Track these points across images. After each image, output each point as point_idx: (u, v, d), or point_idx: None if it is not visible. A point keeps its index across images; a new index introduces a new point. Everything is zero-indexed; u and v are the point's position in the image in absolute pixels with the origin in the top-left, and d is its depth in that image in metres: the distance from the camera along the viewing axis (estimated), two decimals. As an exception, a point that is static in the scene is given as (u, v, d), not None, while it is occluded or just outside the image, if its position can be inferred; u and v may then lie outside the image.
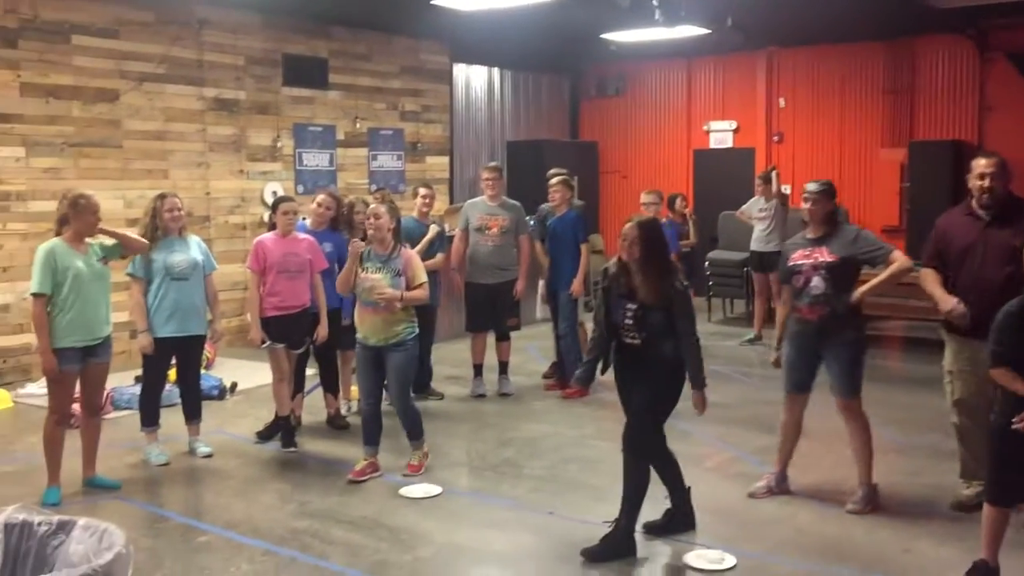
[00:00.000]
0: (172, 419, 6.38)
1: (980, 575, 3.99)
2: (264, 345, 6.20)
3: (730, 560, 4.35)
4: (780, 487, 5.33)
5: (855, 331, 5.08)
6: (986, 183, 4.76)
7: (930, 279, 4.97)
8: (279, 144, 10.17)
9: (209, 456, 6.06)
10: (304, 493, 5.43)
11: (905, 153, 11.60)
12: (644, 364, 4.52)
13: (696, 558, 4.39)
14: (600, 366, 4.72)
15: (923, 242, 11.32)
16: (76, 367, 5.25)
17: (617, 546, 4.44)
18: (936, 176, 11.17)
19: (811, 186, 5.23)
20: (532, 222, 7.86)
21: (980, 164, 4.83)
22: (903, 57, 11.78)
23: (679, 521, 4.75)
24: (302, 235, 6.39)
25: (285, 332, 6.22)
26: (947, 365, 5.02)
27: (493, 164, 7.81)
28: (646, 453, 4.57)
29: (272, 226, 6.45)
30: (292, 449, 6.22)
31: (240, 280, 9.80)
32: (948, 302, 4.78)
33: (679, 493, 4.77)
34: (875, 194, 12.01)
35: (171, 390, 6.59)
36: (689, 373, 4.52)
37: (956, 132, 11.44)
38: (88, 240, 5.31)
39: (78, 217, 5.21)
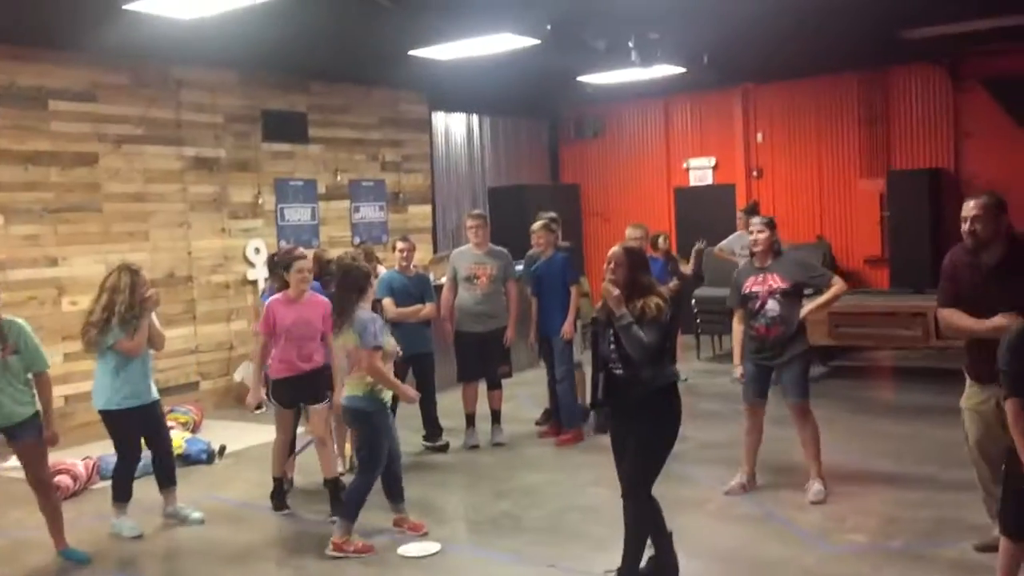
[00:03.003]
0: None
1: (995, 612, 3.89)
2: (258, 411, 6.08)
3: (738, 608, 4.26)
4: (751, 485, 6.00)
5: (803, 344, 5.86)
6: (967, 227, 4.55)
7: (956, 316, 4.67)
8: (260, 200, 10.12)
9: (202, 522, 5.92)
10: (300, 558, 5.30)
11: (884, 183, 11.68)
12: (632, 397, 4.38)
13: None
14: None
15: (906, 270, 11.45)
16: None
17: None
18: (916, 205, 11.25)
19: (757, 220, 6.00)
20: (522, 269, 7.82)
21: (967, 207, 4.59)
22: (877, 87, 11.91)
23: (663, 568, 4.58)
24: (316, 296, 6.12)
25: (298, 393, 6.07)
26: (963, 403, 4.74)
27: (477, 212, 7.79)
28: (644, 499, 4.44)
29: (285, 285, 6.08)
30: (285, 512, 6.09)
31: (224, 340, 9.73)
32: (993, 320, 4.38)
33: (662, 539, 4.60)
34: (856, 225, 12.06)
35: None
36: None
37: (933, 160, 11.53)
38: None
39: None
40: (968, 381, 4.71)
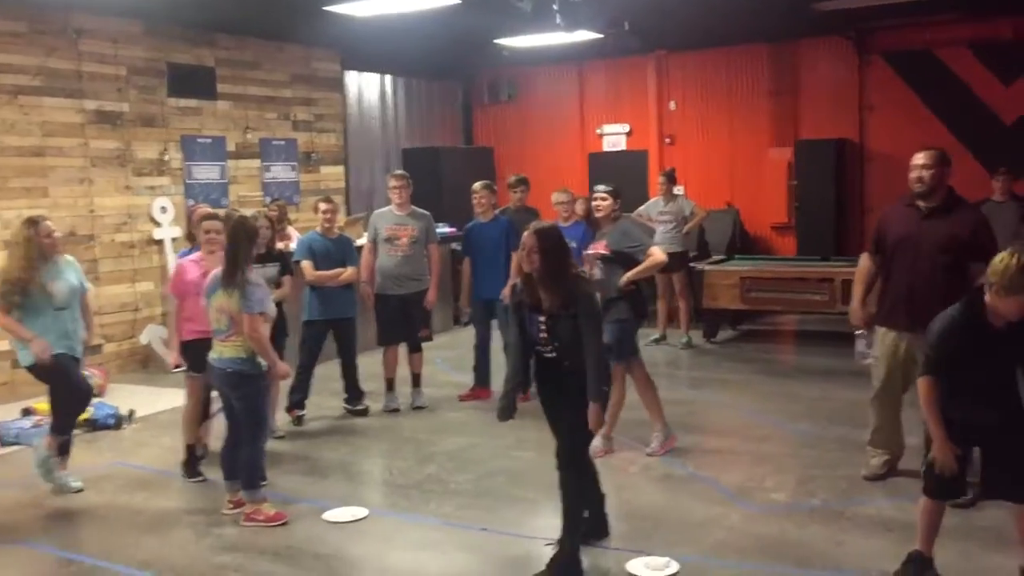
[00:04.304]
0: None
1: (916, 566, 4.05)
2: (177, 370, 5.87)
3: (674, 566, 4.32)
4: (608, 447, 6.07)
5: (620, 312, 5.90)
6: (916, 174, 5.04)
7: (860, 275, 5.45)
8: (167, 157, 9.73)
9: (80, 490, 5.69)
10: (220, 525, 5.15)
11: (792, 152, 11.95)
12: (564, 377, 4.32)
13: (641, 565, 4.33)
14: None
15: (812, 237, 11.81)
16: None
17: (567, 569, 4.28)
18: (821, 174, 11.55)
19: (600, 187, 6.21)
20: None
21: (916, 157, 5.07)
22: (787, 59, 12.13)
23: (594, 529, 4.63)
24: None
25: (201, 358, 5.87)
26: (875, 347, 5.37)
27: (400, 172, 7.62)
28: (581, 469, 4.43)
29: (190, 236, 5.99)
30: (199, 479, 5.91)
31: (129, 302, 9.37)
32: (856, 315, 5.43)
33: (595, 500, 4.66)
34: (765, 193, 12.31)
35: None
36: (588, 383, 4.18)
37: (839, 131, 11.83)
38: None
39: None
40: (880, 330, 5.30)
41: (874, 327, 5.39)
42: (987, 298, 3.66)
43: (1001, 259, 3.60)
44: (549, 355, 4.35)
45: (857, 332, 5.59)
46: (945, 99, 11.19)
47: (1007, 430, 3.82)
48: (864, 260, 5.46)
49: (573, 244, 6.76)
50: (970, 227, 4.97)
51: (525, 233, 4.30)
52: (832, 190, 11.48)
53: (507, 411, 4.46)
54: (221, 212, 6.47)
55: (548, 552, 4.38)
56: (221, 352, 5.17)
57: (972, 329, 3.75)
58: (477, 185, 7.69)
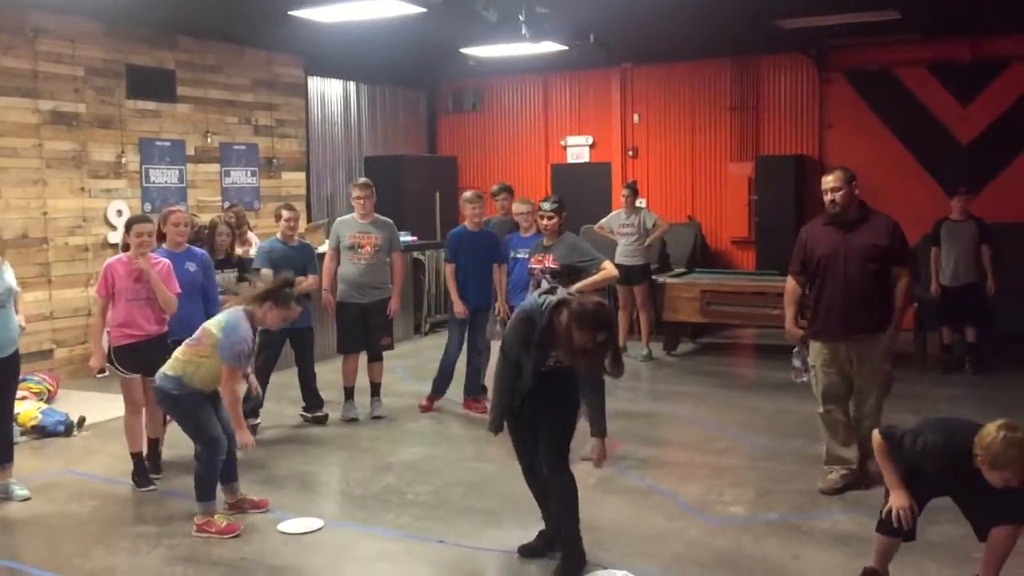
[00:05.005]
0: None
1: (870, 581, 4.08)
2: (101, 375, 5.76)
3: (631, 580, 4.31)
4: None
5: None
6: (829, 196, 5.42)
7: (789, 296, 5.74)
8: (124, 160, 9.56)
9: (27, 499, 5.55)
10: (172, 536, 5.04)
11: (752, 167, 12.05)
12: (557, 377, 4.31)
13: (599, 579, 4.32)
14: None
15: (772, 252, 11.92)
16: None
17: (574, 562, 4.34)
18: (781, 190, 11.64)
19: (546, 204, 6.28)
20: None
21: (826, 180, 5.47)
22: (749, 75, 12.25)
23: (555, 541, 4.59)
24: (158, 258, 5.89)
25: (141, 360, 5.78)
26: (811, 361, 5.62)
27: (364, 181, 7.54)
28: (568, 472, 4.41)
29: (126, 247, 5.92)
30: (150, 489, 5.79)
31: (82, 306, 9.19)
32: (792, 333, 5.72)
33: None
34: (726, 207, 12.41)
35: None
36: (591, 419, 4.29)
37: (799, 147, 11.97)
38: None
39: None
40: (814, 344, 5.55)
41: (807, 343, 5.64)
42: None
43: (988, 432, 3.52)
44: (547, 368, 4.31)
45: (795, 351, 5.82)
46: (903, 118, 11.36)
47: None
48: (790, 281, 5.72)
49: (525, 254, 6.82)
50: (888, 235, 5.35)
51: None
52: (791, 206, 11.57)
53: (501, 423, 4.42)
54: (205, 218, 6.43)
55: (504, 565, 4.35)
56: (166, 365, 5.15)
57: (961, 470, 3.62)
58: (470, 194, 7.63)
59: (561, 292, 4.24)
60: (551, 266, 6.12)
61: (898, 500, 3.79)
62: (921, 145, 11.26)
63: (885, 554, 4.07)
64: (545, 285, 5.75)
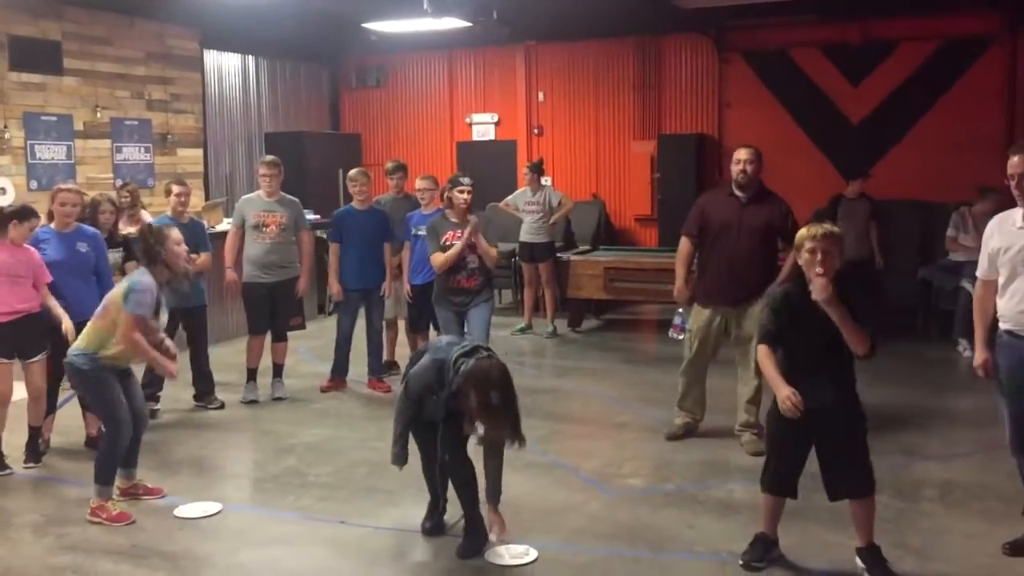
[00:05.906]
0: None
1: (762, 546, 4.22)
2: None
3: (533, 553, 4.34)
4: None
5: (491, 292, 6.58)
6: (740, 167, 5.78)
7: (681, 257, 6.08)
8: (7, 135, 9.13)
9: None
10: (61, 524, 4.87)
11: (655, 145, 12.21)
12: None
13: (500, 554, 4.34)
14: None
15: (673, 229, 12.10)
16: None
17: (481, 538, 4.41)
18: (683, 168, 11.84)
19: (467, 179, 6.46)
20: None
21: (740, 153, 5.82)
22: (651, 54, 12.38)
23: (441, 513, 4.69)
24: (28, 247, 5.66)
25: (16, 342, 5.56)
26: (689, 324, 6.09)
27: (271, 159, 7.35)
28: (463, 451, 4.48)
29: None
30: (6, 472, 5.60)
31: (-35, 288, 8.74)
32: (681, 294, 6.06)
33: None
34: (629, 185, 12.55)
35: None
36: (488, 481, 4.40)
37: (699, 126, 12.18)
38: None
39: None
40: (697, 307, 5.97)
41: (692, 305, 6.03)
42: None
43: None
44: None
45: (679, 309, 6.26)
46: (798, 98, 11.64)
47: (840, 414, 3.96)
48: (685, 243, 6.06)
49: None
50: (782, 217, 5.74)
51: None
52: (693, 184, 11.76)
53: (404, 456, 4.51)
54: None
55: (406, 544, 4.35)
56: (79, 339, 5.04)
57: (802, 301, 3.99)
58: (355, 172, 7.54)
59: (482, 354, 4.28)
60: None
61: (782, 392, 3.92)
62: (814, 124, 11.57)
63: (773, 516, 4.23)
64: (474, 259, 6.27)
